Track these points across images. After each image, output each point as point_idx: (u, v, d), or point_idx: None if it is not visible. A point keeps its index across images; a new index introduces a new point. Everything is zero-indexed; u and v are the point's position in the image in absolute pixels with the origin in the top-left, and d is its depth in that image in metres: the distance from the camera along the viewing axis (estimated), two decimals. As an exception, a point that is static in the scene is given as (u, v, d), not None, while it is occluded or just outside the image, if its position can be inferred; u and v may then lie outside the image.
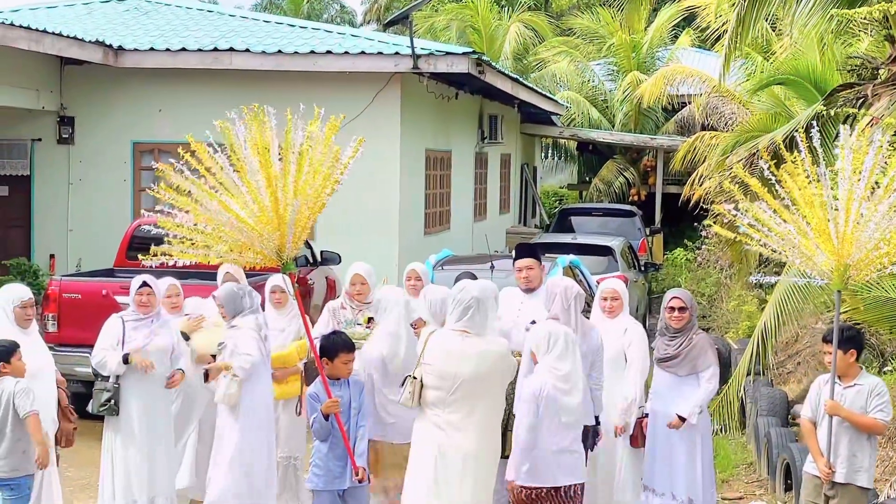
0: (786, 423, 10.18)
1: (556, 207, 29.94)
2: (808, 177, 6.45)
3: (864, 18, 11.16)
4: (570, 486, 6.50)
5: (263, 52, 15.46)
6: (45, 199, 16.69)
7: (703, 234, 20.45)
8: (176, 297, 8.74)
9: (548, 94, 25.33)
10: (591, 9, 34.61)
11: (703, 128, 22.74)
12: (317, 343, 7.02)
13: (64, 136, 16.52)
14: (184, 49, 15.68)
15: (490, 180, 23.69)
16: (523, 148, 28.29)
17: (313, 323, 8.32)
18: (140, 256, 6.55)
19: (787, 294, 10.53)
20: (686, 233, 24.29)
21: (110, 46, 15.50)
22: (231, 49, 15.54)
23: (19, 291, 7.66)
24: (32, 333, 7.67)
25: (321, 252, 13.83)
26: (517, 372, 7.03)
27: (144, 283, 7.95)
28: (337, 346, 6.86)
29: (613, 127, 29.05)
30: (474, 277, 8.21)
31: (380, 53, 15.40)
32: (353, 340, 7.52)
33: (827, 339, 6.94)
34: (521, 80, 21.93)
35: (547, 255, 11.88)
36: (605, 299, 8.12)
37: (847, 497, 6.83)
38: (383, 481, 7.52)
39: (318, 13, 43.84)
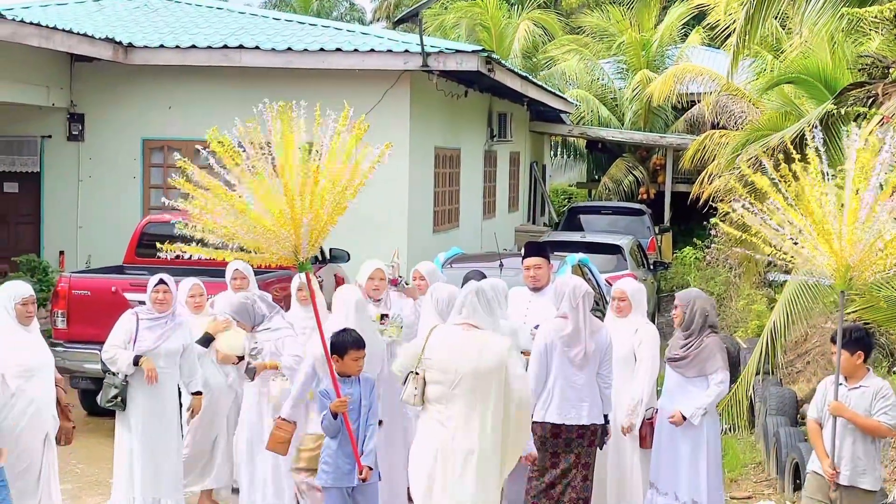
0: (795, 422, 10.16)
1: (564, 206, 29.91)
2: (812, 176, 6.43)
3: (875, 17, 11.13)
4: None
5: (273, 49, 15.47)
6: (54, 195, 16.72)
7: (713, 232, 20.39)
8: (199, 297, 8.78)
9: (557, 93, 25.31)
10: (600, 7, 34.58)
11: (713, 126, 22.72)
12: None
13: (74, 132, 16.55)
14: (193, 46, 15.69)
15: (499, 178, 23.68)
16: (532, 146, 28.27)
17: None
18: (158, 245, 6.48)
19: (797, 293, 10.51)
20: (695, 231, 24.24)
21: (120, 43, 15.52)
22: (241, 46, 15.55)
23: (21, 288, 7.63)
24: (34, 331, 7.65)
25: (330, 250, 13.84)
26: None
27: (161, 281, 7.96)
28: (347, 343, 6.86)
29: (623, 125, 29.03)
30: (483, 276, 8.21)
31: (389, 51, 15.40)
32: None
33: (835, 340, 6.91)
34: (530, 78, 21.91)
35: (556, 253, 11.88)
36: (615, 299, 8.15)
37: (851, 500, 6.81)
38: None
39: (328, 11, 43.83)
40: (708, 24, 24.29)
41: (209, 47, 15.64)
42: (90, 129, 16.59)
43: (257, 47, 15.51)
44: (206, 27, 16.92)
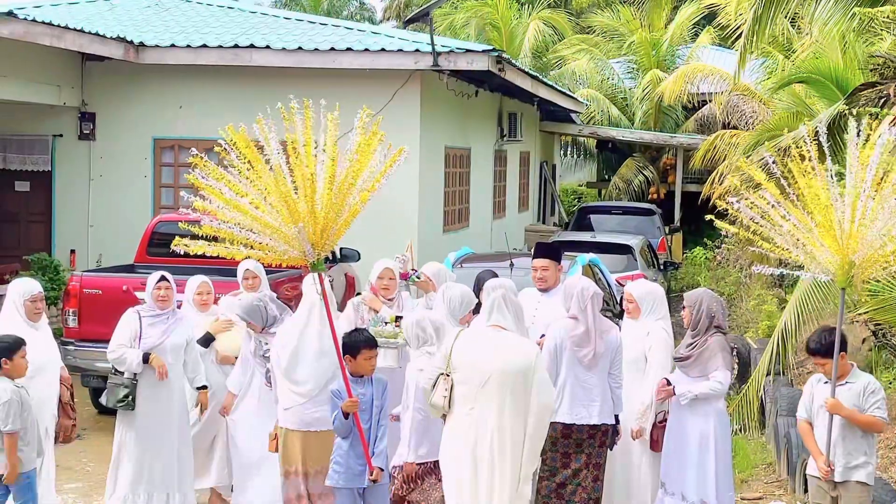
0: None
1: (574, 205, 29.91)
2: (815, 172, 6.42)
3: (887, 17, 11.11)
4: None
5: (284, 48, 15.48)
6: (65, 194, 16.76)
7: (723, 233, 20.36)
8: (207, 295, 8.80)
9: (567, 92, 25.30)
10: (611, 6, 34.55)
11: (724, 126, 22.70)
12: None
13: (85, 131, 16.59)
14: (204, 46, 15.71)
15: (509, 178, 23.67)
16: (542, 146, 28.26)
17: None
18: (175, 241, 6.48)
19: (808, 293, 10.50)
20: (705, 231, 24.21)
21: (131, 43, 15.55)
22: (251, 46, 15.57)
23: (29, 285, 7.76)
24: (42, 327, 7.75)
25: (340, 249, 13.84)
26: None
27: (163, 278, 7.99)
28: (359, 343, 6.87)
29: (633, 125, 29.01)
30: (495, 276, 8.20)
31: (400, 51, 15.40)
32: (382, 338, 7.54)
33: (816, 352, 6.87)
34: (540, 77, 21.90)
35: (566, 253, 11.88)
36: (625, 301, 8.16)
37: (849, 495, 6.83)
38: (286, 466, 7.45)
39: (338, 10, 43.86)
40: (718, 23, 24.27)
41: (220, 47, 15.66)
42: (101, 129, 16.63)
43: (268, 47, 15.53)
44: (217, 26, 16.94)
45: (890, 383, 10.59)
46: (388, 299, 8.32)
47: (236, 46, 15.60)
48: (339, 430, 6.82)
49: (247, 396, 8.12)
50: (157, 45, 15.82)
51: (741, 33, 12.66)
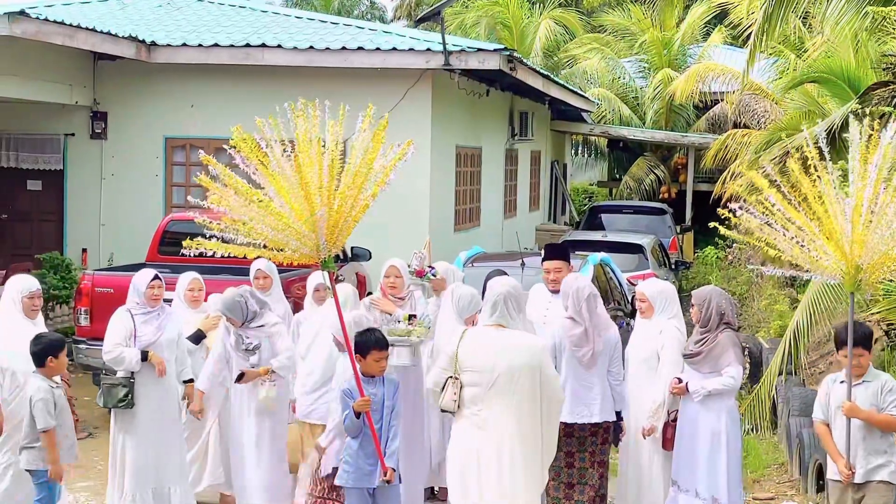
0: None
1: (585, 205, 29.87)
2: (818, 177, 6.39)
3: (900, 16, 11.08)
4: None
5: (295, 48, 15.48)
6: (77, 193, 16.79)
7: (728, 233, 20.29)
8: (198, 292, 8.80)
9: (578, 91, 25.26)
10: (622, 5, 34.48)
11: (735, 125, 22.67)
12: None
13: (97, 131, 16.62)
14: (216, 45, 15.72)
15: (520, 177, 23.65)
16: (553, 145, 28.23)
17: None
18: (185, 243, 6.50)
19: (820, 293, 10.47)
20: (717, 231, 24.14)
21: (143, 42, 15.58)
22: (263, 45, 15.58)
23: (28, 282, 7.88)
24: (39, 324, 7.84)
25: (352, 248, 13.85)
26: None
27: (156, 277, 7.99)
28: (369, 343, 6.86)
29: (644, 124, 28.97)
30: (504, 274, 8.20)
31: (411, 50, 15.40)
32: (395, 336, 7.54)
33: (839, 343, 6.86)
34: (551, 76, 21.88)
35: (577, 252, 11.87)
36: (637, 301, 8.16)
37: (872, 495, 6.77)
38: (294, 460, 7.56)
39: (349, 9, 43.88)
40: (730, 22, 24.23)
41: (231, 46, 15.67)
42: (113, 128, 16.66)
43: (279, 46, 15.54)
44: (229, 26, 16.96)
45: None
46: (399, 297, 8.30)
47: (248, 46, 15.61)
48: (350, 429, 6.81)
49: (232, 391, 8.17)
50: (169, 45, 15.84)
51: (752, 32, 12.63)
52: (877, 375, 6.88)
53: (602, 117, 28.56)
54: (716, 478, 7.50)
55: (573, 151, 34.24)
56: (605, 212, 22.75)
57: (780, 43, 19.46)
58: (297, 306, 9.50)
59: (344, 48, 15.40)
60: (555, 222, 27.67)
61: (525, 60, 18.70)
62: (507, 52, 16.22)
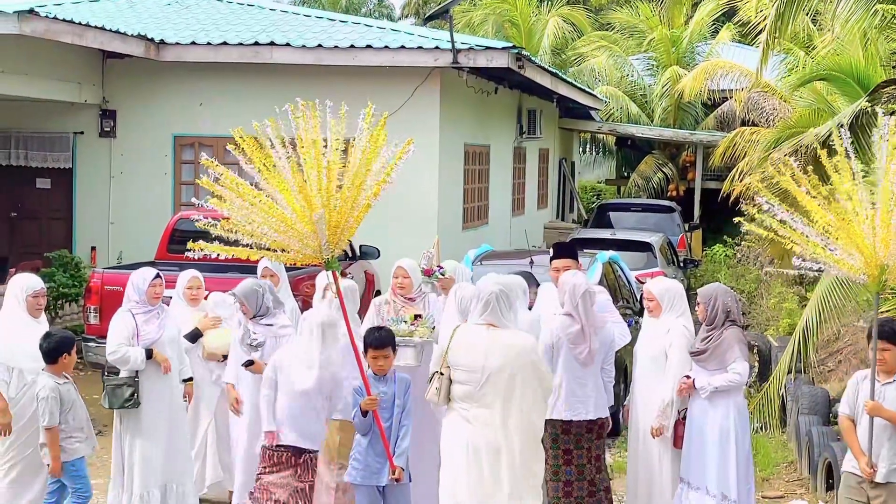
0: (827, 421, 10.09)
1: (593, 203, 29.86)
2: (843, 175, 6.37)
3: (911, 14, 11.05)
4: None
5: (304, 46, 15.49)
6: (86, 191, 16.83)
7: (743, 230, 20.30)
8: (197, 290, 8.79)
9: (586, 89, 25.24)
10: (630, 3, 34.44)
11: (744, 123, 22.61)
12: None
13: (106, 129, 16.66)
14: (225, 43, 15.74)
15: (528, 175, 23.65)
16: (561, 143, 28.21)
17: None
18: (189, 245, 6.56)
19: (829, 291, 10.45)
20: (725, 229, 24.13)
21: (152, 40, 15.60)
22: (272, 43, 15.59)
23: (32, 281, 7.91)
24: (42, 323, 7.87)
25: (360, 247, 13.87)
26: None
27: (158, 276, 8.00)
28: (366, 342, 6.96)
29: (652, 122, 28.94)
30: (532, 277, 8.27)
31: (419, 48, 15.40)
32: (399, 337, 7.54)
33: (885, 336, 6.83)
34: (560, 74, 21.86)
35: (586, 250, 11.86)
36: (644, 300, 8.16)
37: (892, 497, 6.73)
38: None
39: (357, 7, 43.91)
40: (739, 20, 24.15)
41: (240, 44, 15.69)
42: (122, 126, 16.69)
43: (288, 44, 15.55)
44: (237, 24, 16.98)
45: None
46: (408, 298, 8.28)
47: (256, 44, 15.62)
48: (359, 427, 6.84)
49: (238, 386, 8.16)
50: (178, 43, 15.85)
51: (762, 30, 12.61)
52: None
53: (610, 115, 28.53)
54: (726, 474, 7.51)
55: (581, 149, 34.20)
56: (613, 210, 22.74)
57: (789, 40, 19.44)
58: (305, 304, 9.50)
59: (352, 46, 15.40)
60: (563, 220, 27.66)
61: (533, 58, 18.69)
62: (516, 50, 16.22)
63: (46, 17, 13.26)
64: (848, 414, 6.96)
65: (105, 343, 10.20)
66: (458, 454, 6.48)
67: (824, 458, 8.94)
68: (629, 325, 8.61)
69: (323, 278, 8.52)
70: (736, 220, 7.36)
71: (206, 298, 8.87)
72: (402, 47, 15.35)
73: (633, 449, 8.02)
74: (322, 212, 6.40)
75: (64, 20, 13.63)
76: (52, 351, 7.22)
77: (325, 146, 6.49)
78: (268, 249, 6.60)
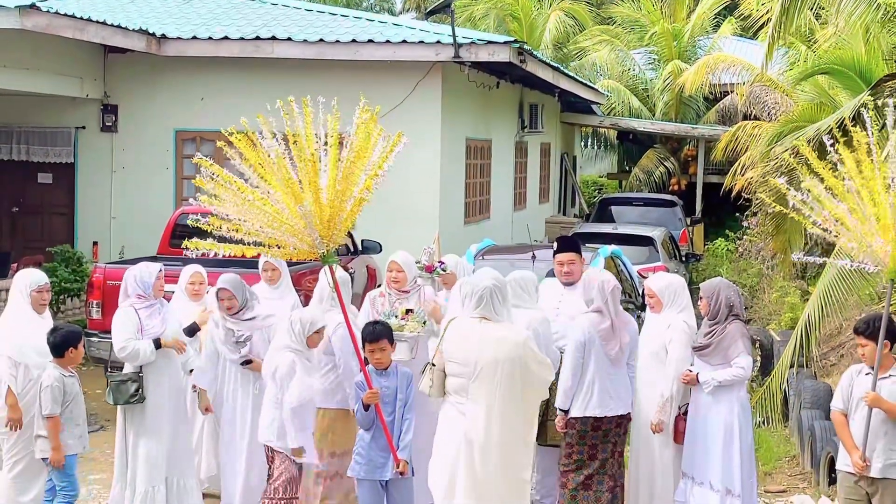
0: (829, 416, 10.08)
1: (595, 197, 29.84)
2: (870, 158, 6.36)
3: (913, 8, 11.02)
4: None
5: (305, 40, 15.48)
6: (88, 186, 16.83)
7: (745, 224, 20.30)
8: (199, 285, 8.79)
9: (588, 83, 25.23)
10: (632, -3, 34.44)
11: (746, 117, 22.56)
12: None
13: (107, 123, 16.66)
14: (226, 38, 15.73)
15: (530, 169, 23.65)
16: (563, 137, 28.21)
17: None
18: (185, 244, 6.58)
19: (831, 285, 10.44)
20: (727, 223, 24.12)
21: (153, 35, 15.59)
22: (273, 38, 15.58)
23: (37, 276, 7.91)
24: (46, 318, 7.86)
25: (362, 241, 13.86)
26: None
27: (160, 269, 8.01)
28: (362, 336, 7.00)
29: (654, 116, 28.91)
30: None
31: (421, 42, 15.38)
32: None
33: (859, 331, 6.84)
34: (561, 68, 21.85)
35: (588, 245, 11.85)
36: (646, 296, 8.15)
37: (888, 491, 6.75)
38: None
39: (358, 2, 43.86)
40: (740, 14, 24.13)
41: (241, 39, 15.69)
42: (123, 120, 16.69)
43: (289, 38, 15.54)
44: (239, 18, 16.97)
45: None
46: (402, 291, 8.27)
47: (258, 38, 15.62)
48: (361, 421, 6.85)
49: (225, 387, 8.16)
50: (179, 38, 15.85)
51: (764, 24, 12.61)
52: None
53: (612, 109, 28.51)
54: (730, 469, 7.51)
55: (583, 143, 34.20)
56: (615, 204, 22.72)
57: (791, 34, 19.39)
58: (307, 300, 9.49)
59: (354, 41, 15.39)
60: (564, 215, 27.67)
61: (535, 52, 18.68)
62: (517, 45, 16.20)
63: (48, 11, 13.26)
64: (841, 408, 6.97)
65: (106, 338, 10.25)
66: (452, 447, 6.57)
67: (826, 452, 8.94)
68: (632, 320, 8.60)
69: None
70: (751, 208, 7.36)
71: (207, 293, 8.88)
72: (404, 42, 15.34)
73: (635, 444, 8.01)
74: (307, 203, 6.41)
75: (65, 15, 13.62)
76: (60, 345, 7.26)
77: (319, 142, 6.51)
78: (261, 246, 6.61)
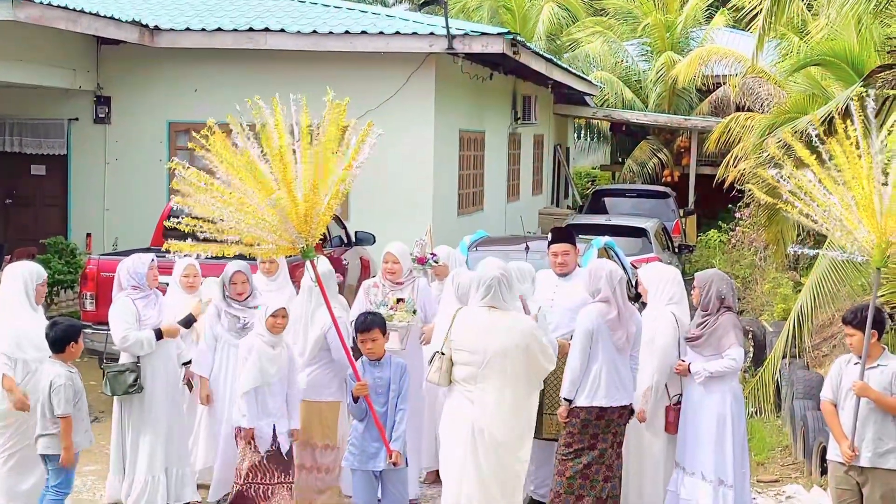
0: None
1: (588, 188, 29.87)
2: (857, 149, 6.39)
3: (905, -1, 11.04)
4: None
5: (298, 32, 15.47)
6: (81, 178, 16.81)
7: (738, 215, 20.34)
8: (193, 278, 8.80)
9: (581, 75, 25.24)
10: (624, -12, 34.42)
11: (738, 108, 22.60)
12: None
13: (100, 115, 16.64)
14: (219, 29, 15.71)
15: (523, 161, 23.66)
16: (556, 128, 28.21)
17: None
18: (166, 246, 6.65)
19: (824, 276, 10.48)
20: (720, 214, 24.17)
21: (146, 26, 15.57)
22: (266, 29, 15.56)
23: (39, 269, 7.86)
24: (40, 312, 7.83)
25: (356, 233, 13.87)
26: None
27: (153, 259, 8.03)
28: (354, 326, 7.07)
29: (647, 107, 28.93)
30: None
31: (414, 34, 15.37)
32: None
33: (847, 321, 6.88)
34: (554, 60, 21.84)
35: (581, 236, 11.87)
36: (640, 286, 8.18)
37: (877, 481, 6.78)
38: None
39: (351, -7, 43.72)
40: (733, 5, 24.17)
41: (235, 30, 15.67)
42: (117, 112, 16.67)
43: (283, 30, 15.52)
44: (232, 10, 16.94)
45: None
46: (397, 283, 8.29)
47: (251, 30, 15.60)
48: (353, 412, 6.90)
49: (224, 376, 8.20)
50: (172, 29, 15.83)
51: (756, 14, 12.62)
52: (891, 360, 6.86)
53: (605, 101, 28.50)
54: (723, 459, 7.54)
55: (576, 135, 34.19)
56: (608, 195, 22.74)
57: (783, 26, 19.40)
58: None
59: (347, 32, 15.37)
60: (558, 206, 27.68)
61: (528, 44, 18.67)
62: (511, 36, 16.19)
63: (41, 3, 13.22)
64: (830, 398, 7.01)
65: (101, 330, 10.27)
66: (461, 434, 6.60)
67: (819, 442, 8.98)
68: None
69: (324, 264, 8.55)
70: (747, 186, 7.39)
71: (202, 285, 8.91)
72: (397, 33, 15.33)
73: (627, 435, 8.04)
74: (275, 196, 6.42)
75: (58, 6, 13.59)
76: (60, 340, 7.14)
77: (293, 137, 6.54)
78: (240, 244, 6.63)
